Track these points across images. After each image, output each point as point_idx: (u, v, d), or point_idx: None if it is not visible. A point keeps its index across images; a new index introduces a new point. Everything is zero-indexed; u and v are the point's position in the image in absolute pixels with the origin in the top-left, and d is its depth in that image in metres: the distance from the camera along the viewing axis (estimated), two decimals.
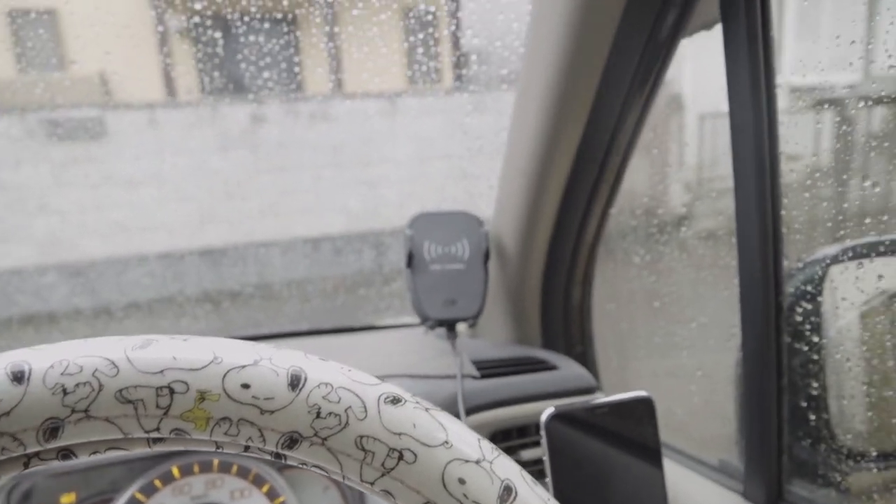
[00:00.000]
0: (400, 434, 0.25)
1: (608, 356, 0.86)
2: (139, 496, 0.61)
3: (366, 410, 0.25)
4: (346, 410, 0.25)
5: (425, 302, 0.78)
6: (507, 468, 0.25)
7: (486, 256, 0.79)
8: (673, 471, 0.67)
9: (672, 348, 0.78)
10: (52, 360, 0.22)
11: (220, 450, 0.28)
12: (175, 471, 0.63)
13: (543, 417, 0.56)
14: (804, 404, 0.58)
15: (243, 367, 0.24)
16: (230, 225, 5.74)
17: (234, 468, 0.64)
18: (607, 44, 0.56)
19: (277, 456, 0.28)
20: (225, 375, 0.23)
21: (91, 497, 0.62)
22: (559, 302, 0.85)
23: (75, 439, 0.23)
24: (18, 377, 0.21)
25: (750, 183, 0.52)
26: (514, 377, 0.72)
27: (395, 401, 0.26)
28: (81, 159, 5.18)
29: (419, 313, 0.79)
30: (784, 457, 0.60)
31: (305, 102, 5.94)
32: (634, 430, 0.57)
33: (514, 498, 0.24)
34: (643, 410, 0.58)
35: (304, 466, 0.29)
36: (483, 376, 0.72)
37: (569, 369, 0.73)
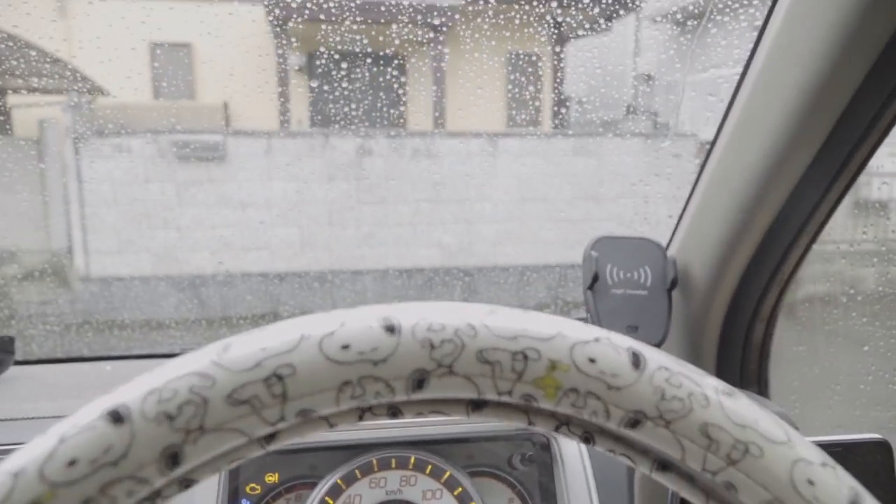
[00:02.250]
0: (744, 426, 0.24)
1: (791, 402, 0.81)
2: (340, 483, 0.63)
3: (707, 399, 0.25)
4: (689, 396, 0.24)
5: (607, 325, 0.77)
6: (847, 476, 0.24)
7: (673, 284, 0.77)
8: None
9: (885, 397, 0.73)
10: (418, 316, 0.23)
11: (531, 425, 0.28)
12: (374, 463, 0.64)
13: None
14: None
15: (587, 342, 0.24)
16: (328, 251, 5.95)
17: (429, 468, 0.65)
18: (858, 77, 0.55)
19: (590, 435, 0.28)
20: (573, 348, 0.24)
21: (293, 479, 0.65)
22: (739, 339, 0.81)
23: (438, 393, 0.24)
24: (391, 328, 0.22)
25: None
26: None
27: (730, 394, 0.26)
28: (203, 180, 5.56)
29: None
30: None
31: (410, 138, 6.15)
32: (869, 475, 0.54)
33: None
34: (880, 455, 0.54)
35: (612, 452, 0.29)
36: None
37: (766, 408, 0.70)
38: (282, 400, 0.21)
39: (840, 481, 0.24)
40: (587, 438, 0.28)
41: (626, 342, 0.25)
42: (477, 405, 0.27)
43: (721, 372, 0.84)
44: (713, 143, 0.74)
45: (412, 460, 0.65)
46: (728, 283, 0.77)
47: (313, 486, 0.63)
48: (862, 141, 0.60)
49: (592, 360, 0.24)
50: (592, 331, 0.25)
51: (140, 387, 0.20)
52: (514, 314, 0.25)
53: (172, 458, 0.20)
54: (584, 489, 0.63)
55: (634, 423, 0.24)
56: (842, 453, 0.54)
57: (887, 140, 0.57)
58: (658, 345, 0.76)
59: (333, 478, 0.63)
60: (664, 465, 0.28)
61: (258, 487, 0.64)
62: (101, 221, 5.34)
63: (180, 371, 0.21)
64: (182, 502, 0.57)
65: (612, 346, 0.25)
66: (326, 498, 0.62)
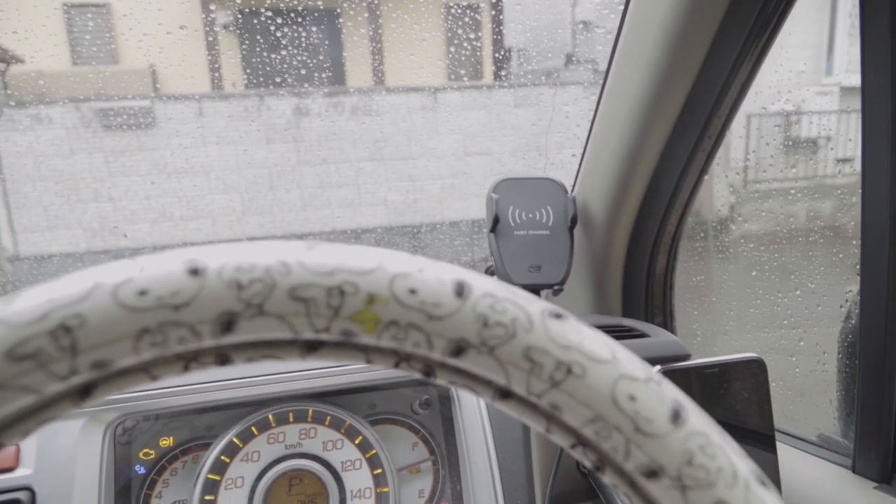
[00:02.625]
0: (568, 347, 0.24)
1: (692, 331, 0.84)
2: (236, 441, 0.62)
3: (531, 323, 0.24)
4: (512, 321, 0.24)
5: (510, 267, 0.77)
6: (673, 391, 0.24)
7: (573, 223, 0.77)
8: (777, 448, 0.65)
9: (771, 319, 0.76)
10: (225, 257, 0.22)
11: (370, 363, 0.27)
12: (271, 419, 0.63)
13: None
14: None
15: (409, 273, 0.23)
16: (272, 216, 5.83)
17: (328, 420, 0.64)
18: (722, 6, 0.55)
19: (430, 370, 0.27)
20: (392, 280, 0.23)
21: (189, 441, 0.63)
22: (642, 272, 0.83)
23: (248, 335, 0.23)
24: (195, 271, 0.21)
25: (883, 145, 0.49)
26: None
27: (558, 316, 0.25)
28: (133, 148, 5.32)
29: (502, 279, 0.78)
30: None
31: (348, 96, 6.01)
32: (745, 393, 0.56)
33: (685, 420, 0.23)
34: (755, 373, 0.56)
35: (453, 384, 0.28)
36: None
37: (660, 337, 0.72)
38: (71, 352, 0.20)
39: (663, 395, 0.23)
40: (427, 372, 0.27)
41: (452, 272, 0.24)
42: (311, 346, 0.26)
43: (627, 305, 0.85)
44: (603, 82, 0.73)
45: (310, 413, 0.64)
46: (626, 217, 0.78)
47: (209, 446, 0.61)
48: (738, 66, 0.61)
49: (413, 291, 0.23)
50: (418, 262, 0.24)
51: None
52: (333, 249, 0.23)
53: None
54: (479, 427, 0.64)
55: (458, 352, 0.24)
56: (719, 373, 0.55)
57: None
58: (560, 283, 0.76)
59: (228, 436, 0.61)
60: (505, 393, 0.28)
61: (152, 452, 0.62)
62: (26, 198, 5.07)
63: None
64: (60, 476, 0.55)
65: (436, 277, 0.24)
66: (223, 457, 0.61)
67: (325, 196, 5.83)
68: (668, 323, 0.86)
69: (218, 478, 0.61)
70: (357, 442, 0.64)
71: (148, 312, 0.20)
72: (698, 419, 0.24)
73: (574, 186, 0.85)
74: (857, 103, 0.51)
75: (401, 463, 0.66)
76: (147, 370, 0.24)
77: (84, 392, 0.23)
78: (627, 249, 0.81)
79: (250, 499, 0.60)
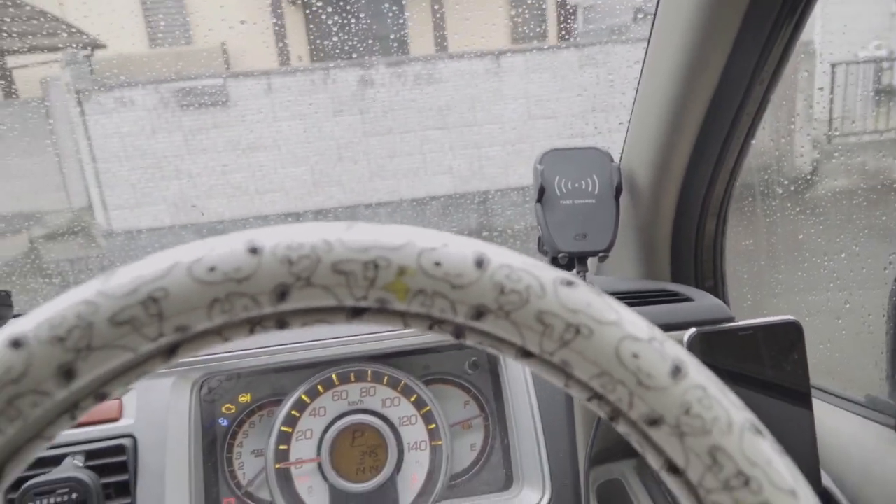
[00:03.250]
0: (576, 311, 0.27)
1: (742, 294, 0.84)
2: (304, 398, 0.69)
3: (544, 290, 0.27)
4: (526, 289, 0.27)
5: (556, 236, 0.79)
6: (675, 349, 0.27)
7: (618, 191, 0.79)
8: (818, 407, 0.66)
9: (818, 282, 0.75)
10: (278, 237, 0.26)
11: (407, 327, 0.31)
12: (335, 378, 0.69)
13: (686, 338, 0.57)
14: None
15: (434, 248, 0.27)
16: (341, 186, 5.97)
17: (386, 379, 0.70)
18: None
19: (460, 332, 0.32)
20: (420, 254, 0.27)
21: (263, 398, 0.71)
22: (691, 236, 0.84)
23: (300, 303, 0.27)
24: (254, 250, 0.25)
25: None
26: (648, 307, 0.72)
27: (569, 283, 0.29)
28: (208, 126, 5.55)
29: (550, 247, 0.81)
30: None
31: (411, 64, 6.01)
32: (781, 355, 0.57)
33: (685, 375, 0.26)
34: (791, 335, 0.57)
35: (481, 345, 0.32)
36: None
37: (703, 300, 0.73)
38: (158, 318, 0.25)
39: (664, 353, 0.27)
40: (457, 334, 0.32)
41: (473, 246, 0.28)
42: (355, 312, 0.30)
43: (675, 270, 0.86)
44: (646, 48, 0.73)
45: (369, 373, 0.70)
46: (672, 184, 0.79)
47: (280, 402, 0.69)
48: (777, 27, 0.60)
49: (438, 264, 0.27)
50: (443, 238, 0.28)
51: (35, 318, 0.24)
52: (368, 228, 0.28)
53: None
54: (524, 386, 0.68)
55: (479, 316, 0.28)
56: (755, 335, 0.57)
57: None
58: (606, 250, 0.78)
59: (297, 393, 0.68)
60: (525, 352, 0.32)
61: (233, 407, 0.70)
62: (115, 176, 5.41)
63: (70, 301, 0.24)
64: (156, 426, 0.63)
65: (459, 251, 0.28)
66: (293, 411, 0.68)
67: (391, 166, 5.92)
68: (718, 286, 0.87)
69: (290, 430, 0.68)
70: (412, 399, 0.70)
71: (217, 285, 0.25)
72: (698, 374, 0.27)
73: (621, 155, 0.86)
74: None
75: (453, 419, 0.71)
76: (220, 333, 0.30)
77: (170, 351, 0.29)
78: (675, 215, 0.82)
79: (318, 448, 0.67)
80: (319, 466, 0.67)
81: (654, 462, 0.31)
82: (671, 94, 0.70)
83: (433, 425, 0.69)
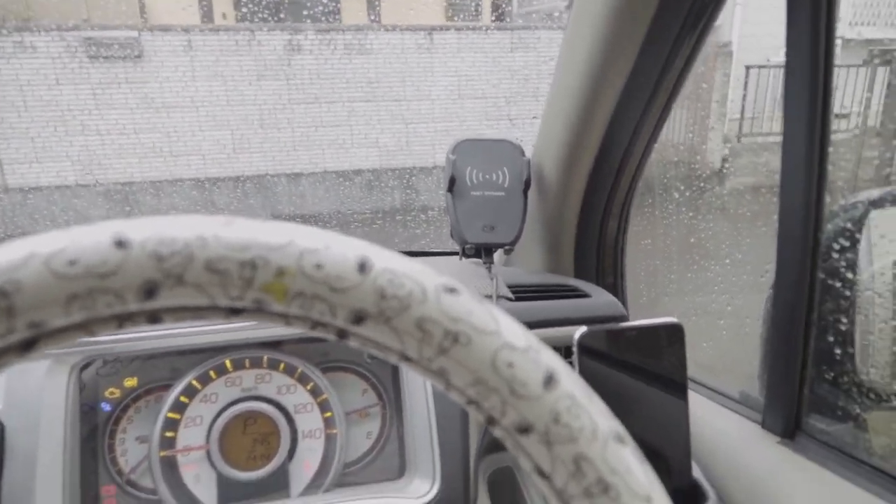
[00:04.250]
0: (457, 319, 0.27)
1: (639, 291, 0.88)
2: (195, 383, 0.66)
3: (425, 296, 0.27)
4: (408, 295, 0.27)
5: (464, 226, 0.80)
6: (550, 358, 0.28)
7: (527, 185, 0.80)
8: (694, 400, 0.70)
9: (704, 284, 0.80)
10: (149, 231, 0.25)
11: (289, 325, 0.31)
12: (228, 364, 0.67)
13: (576, 336, 0.59)
14: (830, 339, 0.60)
15: (316, 249, 0.26)
16: (262, 154, 5.77)
17: (282, 366, 0.69)
18: None
19: (343, 333, 0.31)
20: (301, 255, 0.26)
21: (151, 382, 0.68)
22: (594, 234, 0.86)
23: (169, 301, 0.26)
24: (120, 243, 0.24)
25: (801, 115, 0.52)
26: (546, 301, 0.74)
27: (452, 291, 0.29)
28: (120, 80, 5.21)
29: (457, 237, 0.82)
30: (805, 389, 0.62)
31: (342, 33, 5.84)
32: (663, 354, 0.60)
33: (557, 384, 0.27)
34: (672, 336, 0.60)
35: (364, 347, 0.32)
36: (517, 299, 0.75)
37: (600, 297, 0.76)
38: (8, 314, 0.23)
39: (538, 363, 0.27)
40: (340, 335, 0.31)
41: (357, 249, 0.27)
42: (234, 311, 0.29)
43: (579, 266, 0.89)
44: (560, 48, 0.74)
45: (265, 359, 0.68)
46: (578, 182, 0.81)
47: (169, 387, 0.66)
48: (681, 39, 0.63)
49: (319, 266, 0.26)
50: (326, 238, 0.27)
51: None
52: (249, 225, 0.26)
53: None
54: (420, 379, 0.69)
55: (359, 321, 0.27)
56: (640, 335, 0.60)
57: None
58: (512, 243, 0.80)
59: (188, 378, 0.66)
60: (407, 357, 0.32)
61: (116, 392, 0.67)
62: (12, 128, 5.00)
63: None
64: (26, 411, 0.59)
65: (342, 253, 0.27)
66: (182, 397, 0.66)
67: (316, 136, 5.77)
68: (617, 283, 0.91)
69: (178, 416, 0.66)
70: (309, 387, 0.69)
71: (77, 280, 0.23)
72: (569, 383, 0.28)
73: (534, 148, 0.87)
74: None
75: (351, 407, 0.71)
76: (85, 327, 0.28)
77: (26, 346, 0.27)
78: (580, 213, 0.84)
79: (208, 436, 0.65)
80: (208, 454, 0.65)
81: (525, 465, 0.32)
82: (580, 95, 0.71)
83: (329, 413, 0.69)
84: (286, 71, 5.93)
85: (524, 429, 0.26)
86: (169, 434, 0.65)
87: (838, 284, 0.58)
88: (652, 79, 0.67)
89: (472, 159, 0.82)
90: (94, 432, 0.65)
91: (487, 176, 0.81)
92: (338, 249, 0.27)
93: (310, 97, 6.03)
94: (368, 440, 0.71)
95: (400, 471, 0.69)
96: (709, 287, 0.75)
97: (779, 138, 0.54)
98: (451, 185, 0.80)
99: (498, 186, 0.81)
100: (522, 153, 0.82)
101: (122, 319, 0.29)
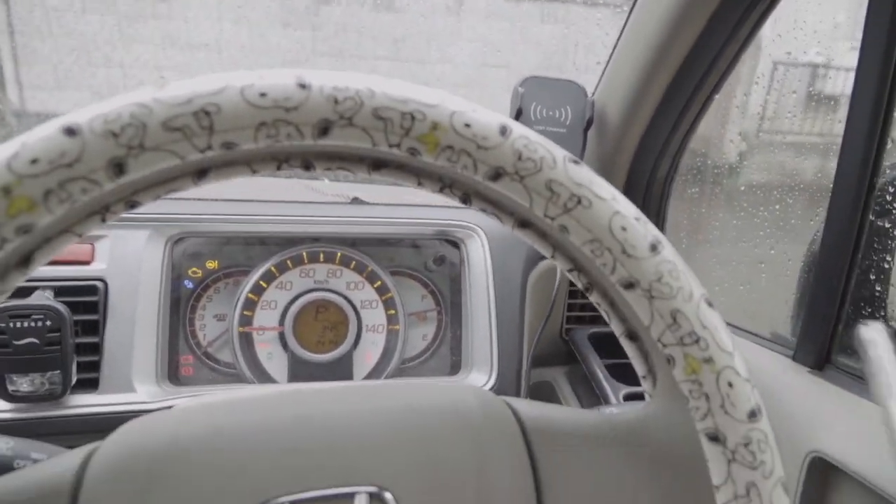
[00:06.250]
0: (580, 184, 0.31)
1: (679, 238, 0.92)
2: (273, 270, 0.71)
3: (555, 162, 0.32)
4: (540, 159, 0.31)
5: None
6: (654, 229, 0.32)
7: (589, 124, 0.84)
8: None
9: (749, 230, 0.85)
10: (327, 78, 0.28)
11: (420, 186, 0.35)
12: (304, 256, 0.72)
13: None
14: (871, 277, 0.64)
15: (465, 111, 0.31)
16: None
17: (353, 263, 0.74)
18: None
19: (467, 197, 0.36)
20: (452, 114, 0.30)
21: (231, 266, 0.73)
22: (644, 177, 0.91)
23: (340, 140, 0.30)
24: (303, 85, 0.28)
25: (875, 60, 0.56)
26: None
27: (576, 162, 0.33)
28: (146, 15, 5.16)
29: None
30: (840, 326, 0.67)
31: None
32: None
33: (661, 250, 0.31)
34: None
35: (484, 211, 0.37)
36: None
37: None
38: (209, 131, 0.27)
39: (646, 230, 0.32)
40: (465, 199, 0.35)
41: (498, 117, 0.32)
42: (377, 165, 0.33)
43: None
44: None
45: (338, 255, 0.73)
46: (638, 126, 0.85)
47: (247, 273, 0.71)
48: (746, 15, 0.67)
49: (468, 125, 0.31)
50: (473, 105, 0.32)
51: (90, 111, 0.25)
52: (407, 84, 0.31)
53: (118, 167, 0.25)
54: (483, 287, 0.73)
55: (496, 177, 0.31)
56: None
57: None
58: None
59: (267, 264, 0.71)
60: (524, 222, 0.36)
61: (199, 272, 0.72)
62: (35, 53, 4.97)
63: (125, 101, 0.25)
64: (127, 274, 0.64)
65: (486, 117, 0.31)
66: (261, 282, 0.71)
67: None
68: (660, 225, 0.95)
69: (256, 298, 0.71)
70: (376, 286, 0.74)
71: (267, 110, 0.27)
72: (670, 253, 0.32)
73: (595, 91, 0.91)
74: None
75: (411, 309, 0.76)
76: (249, 164, 0.32)
77: (202, 173, 0.31)
78: (634, 155, 0.89)
79: (282, 319, 0.71)
80: (281, 336, 0.71)
81: (616, 328, 0.37)
82: (653, 44, 0.75)
83: (393, 311, 0.74)
84: (313, 21, 5.88)
85: (630, 284, 0.30)
86: (247, 313, 0.70)
87: (888, 224, 0.63)
88: (718, 44, 0.72)
89: (538, 95, 0.85)
90: (176, 305, 0.70)
91: (551, 113, 0.85)
92: (483, 113, 0.32)
93: (334, 50, 5.98)
94: (424, 341, 0.77)
95: (453, 369, 0.75)
96: (753, 233, 0.79)
97: (795, 138, 0.57)
98: (518, 116, 0.84)
99: (560, 123, 0.85)
100: (586, 94, 0.86)
101: (280, 161, 0.33)
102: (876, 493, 0.53)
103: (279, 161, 0.33)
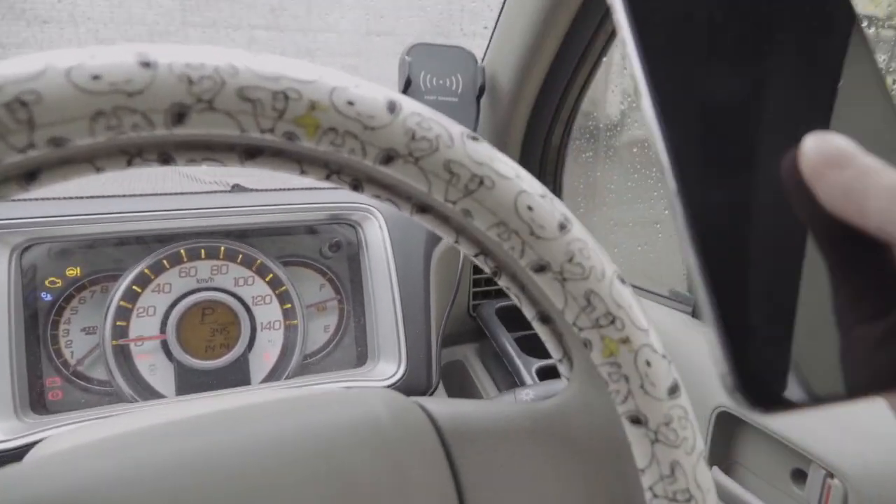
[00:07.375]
0: (481, 163, 0.28)
1: (577, 203, 0.93)
2: (148, 272, 0.64)
3: (452, 140, 0.28)
4: (436, 137, 0.28)
5: None
6: (562, 206, 0.30)
7: (481, 91, 0.81)
8: None
9: (640, 198, 0.86)
10: (176, 54, 0.24)
11: (304, 174, 0.31)
12: (183, 253, 0.65)
13: None
14: None
15: (346, 87, 0.26)
16: None
17: (240, 257, 0.67)
18: None
19: (358, 183, 0.32)
20: (332, 91, 0.26)
21: (96, 272, 0.64)
22: (539, 143, 0.89)
23: (198, 129, 0.25)
24: (146, 63, 0.23)
25: None
26: None
27: (475, 139, 0.30)
28: None
29: None
30: None
31: None
32: None
33: (570, 229, 0.29)
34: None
35: (378, 198, 0.33)
36: None
37: None
38: (28, 126, 0.21)
39: (554, 208, 0.29)
40: (356, 185, 0.31)
41: (384, 91, 0.27)
42: (250, 153, 0.28)
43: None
44: None
45: (222, 249, 0.66)
46: (530, 91, 0.83)
47: (117, 279, 0.63)
48: None
49: (351, 103, 0.26)
50: (353, 79, 0.27)
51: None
52: (278, 59, 0.26)
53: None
54: (385, 270, 0.70)
55: (388, 160, 0.27)
56: None
57: None
58: None
59: (139, 267, 0.63)
60: (423, 207, 0.32)
61: (58, 281, 0.63)
62: None
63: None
64: None
65: (371, 93, 0.27)
66: (134, 287, 0.63)
67: None
68: (556, 191, 0.95)
69: (129, 306, 0.63)
70: (268, 279, 0.68)
71: (103, 96, 0.22)
72: (579, 230, 0.30)
73: (484, 58, 0.88)
74: None
75: (308, 301, 0.71)
76: (92, 161, 0.26)
77: (30, 176, 0.25)
78: (528, 122, 0.87)
79: (163, 326, 0.63)
80: (163, 344, 0.63)
81: (528, 312, 0.34)
82: (540, 5, 0.73)
83: (288, 305, 0.68)
84: None
85: (541, 267, 0.28)
86: (121, 323, 0.62)
87: None
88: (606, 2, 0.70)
89: (427, 64, 0.81)
90: (34, 322, 0.61)
91: (441, 81, 0.82)
92: (367, 88, 0.28)
93: (207, 21, 5.62)
94: (326, 333, 0.72)
95: (360, 360, 0.71)
96: (648, 195, 0.80)
97: None
98: (406, 87, 0.80)
99: (452, 92, 0.82)
100: (476, 61, 0.83)
101: (132, 154, 0.28)
102: (780, 442, 0.55)
103: (129, 155, 0.27)
